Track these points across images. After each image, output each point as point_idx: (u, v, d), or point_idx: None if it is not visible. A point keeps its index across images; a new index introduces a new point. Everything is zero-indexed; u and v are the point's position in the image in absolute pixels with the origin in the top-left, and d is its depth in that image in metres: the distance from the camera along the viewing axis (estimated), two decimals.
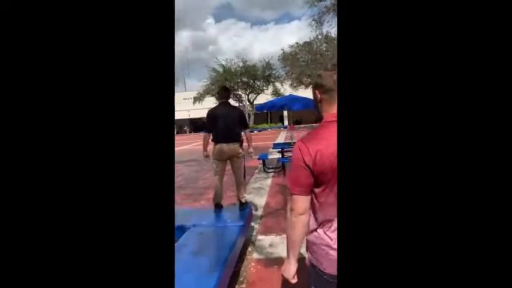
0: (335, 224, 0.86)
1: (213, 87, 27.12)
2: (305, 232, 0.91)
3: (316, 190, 0.86)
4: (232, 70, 27.13)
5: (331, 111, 0.89)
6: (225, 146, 2.82)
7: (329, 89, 0.88)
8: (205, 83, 27.67)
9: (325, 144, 0.81)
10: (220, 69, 27.26)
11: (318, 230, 0.89)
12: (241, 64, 27.18)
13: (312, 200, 0.88)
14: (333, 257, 0.85)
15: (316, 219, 0.90)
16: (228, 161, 2.94)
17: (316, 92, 0.92)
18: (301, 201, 0.87)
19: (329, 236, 0.87)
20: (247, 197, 4.16)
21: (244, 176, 3.15)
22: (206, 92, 27.49)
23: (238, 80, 26.85)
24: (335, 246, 0.84)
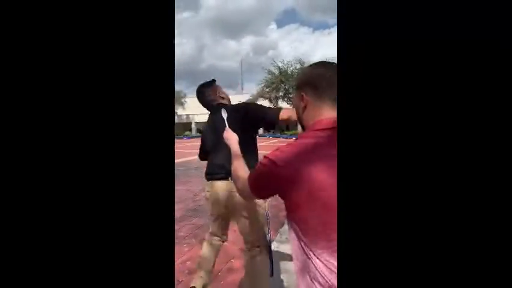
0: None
1: (267, 89, 26.63)
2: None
3: (302, 228, 0.60)
4: (289, 72, 25.59)
5: (317, 117, 0.67)
6: (218, 186, 1.35)
7: (322, 91, 0.67)
8: (260, 86, 27.40)
9: (314, 172, 0.57)
10: (276, 72, 26.19)
11: (320, 271, 0.59)
12: (298, 66, 25.17)
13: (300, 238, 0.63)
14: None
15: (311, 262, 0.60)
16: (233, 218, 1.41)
17: (303, 94, 0.69)
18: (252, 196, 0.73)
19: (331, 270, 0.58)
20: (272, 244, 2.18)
21: (272, 263, 1.18)
22: (259, 95, 27.07)
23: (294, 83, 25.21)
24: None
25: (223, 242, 1.55)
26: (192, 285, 1.47)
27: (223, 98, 1.55)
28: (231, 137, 1.04)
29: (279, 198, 0.66)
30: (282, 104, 27.28)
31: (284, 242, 2.56)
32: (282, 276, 1.89)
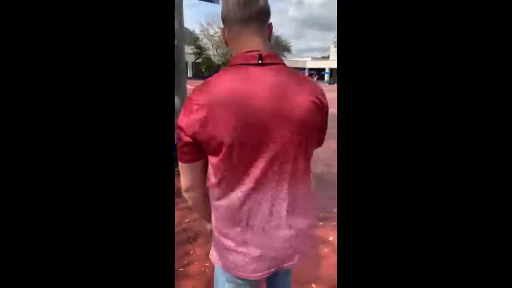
0: (230, 222, 0.67)
1: None
2: (204, 208, 0.75)
3: (212, 160, 0.63)
4: None
5: (236, 52, 0.66)
6: None
7: (228, 22, 0.66)
8: None
9: (221, 97, 0.58)
10: None
11: (214, 228, 0.72)
12: None
13: (209, 176, 0.68)
14: (237, 259, 0.69)
15: (213, 206, 0.71)
16: None
17: (224, 29, 0.69)
18: (185, 172, 0.68)
19: (226, 234, 0.69)
20: None
21: None
22: None
23: None
24: (237, 247, 0.68)
25: None
26: None
27: None
28: None
29: None
30: None
31: None
32: None
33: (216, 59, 31.94)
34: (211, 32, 30.89)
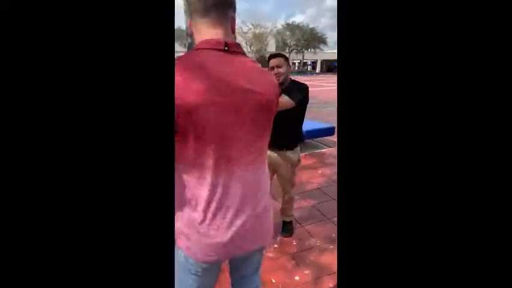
0: (199, 201, 0.67)
1: None
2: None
3: (188, 142, 0.63)
4: None
5: (200, 39, 0.68)
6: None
7: (191, 13, 0.69)
8: None
9: (194, 74, 0.60)
10: None
11: (183, 210, 0.69)
12: None
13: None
14: (203, 243, 0.68)
15: (180, 193, 0.69)
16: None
17: (189, 20, 0.72)
18: None
19: (194, 217, 0.67)
20: None
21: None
22: None
23: None
24: (203, 229, 0.67)
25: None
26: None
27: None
28: None
29: None
30: None
31: None
32: None
33: (250, 55, 32.89)
34: (245, 29, 32.36)
